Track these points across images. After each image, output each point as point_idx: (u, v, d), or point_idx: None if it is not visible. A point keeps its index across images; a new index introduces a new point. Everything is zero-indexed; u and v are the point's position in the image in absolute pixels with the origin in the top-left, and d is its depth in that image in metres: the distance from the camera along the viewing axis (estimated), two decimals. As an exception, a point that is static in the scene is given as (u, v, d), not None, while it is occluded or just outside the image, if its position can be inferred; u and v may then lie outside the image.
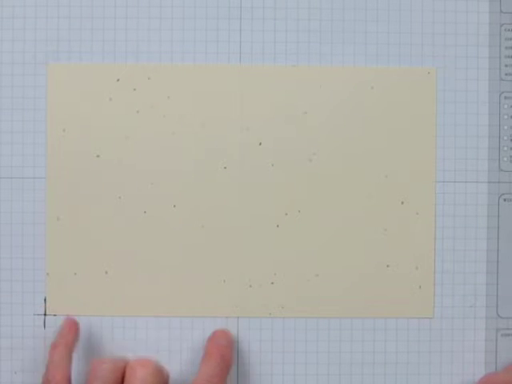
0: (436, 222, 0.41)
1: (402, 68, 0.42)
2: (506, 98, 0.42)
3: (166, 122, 0.41)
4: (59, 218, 0.41)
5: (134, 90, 0.41)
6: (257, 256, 0.41)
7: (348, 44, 0.41)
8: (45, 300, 0.41)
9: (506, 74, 0.42)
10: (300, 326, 0.41)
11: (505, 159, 0.42)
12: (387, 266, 0.41)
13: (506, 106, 0.42)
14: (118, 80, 0.41)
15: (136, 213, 0.41)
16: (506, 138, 0.42)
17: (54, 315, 0.41)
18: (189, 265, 0.41)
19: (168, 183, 0.41)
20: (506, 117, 0.42)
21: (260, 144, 0.41)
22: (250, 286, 0.41)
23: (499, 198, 0.42)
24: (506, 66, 0.42)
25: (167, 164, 0.41)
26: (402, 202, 0.41)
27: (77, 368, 0.40)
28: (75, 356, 0.39)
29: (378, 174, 0.41)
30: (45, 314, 0.41)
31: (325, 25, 0.41)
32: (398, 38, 0.41)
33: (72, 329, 0.40)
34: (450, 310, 0.41)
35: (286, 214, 0.41)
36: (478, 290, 0.41)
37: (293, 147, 0.41)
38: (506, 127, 0.42)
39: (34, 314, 0.40)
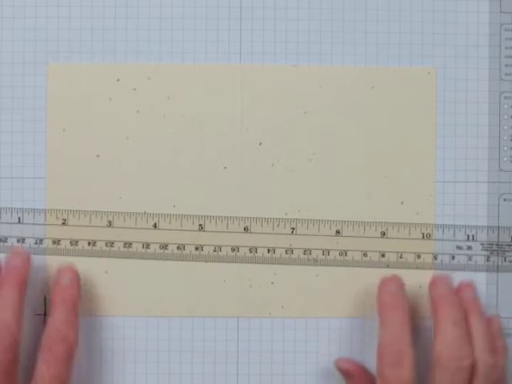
0: (436, 222, 0.41)
1: (401, 68, 0.42)
2: (506, 97, 0.42)
3: (166, 121, 0.41)
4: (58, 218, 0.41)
5: (134, 89, 0.41)
6: (257, 256, 0.41)
7: (348, 44, 0.41)
8: (45, 300, 0.41)
9: (506, 74, 0.42)
10: (300, 326, 0.41)
11: (505, 159, 0.42)
12: (387, 266, 0.41)
13: (505, 106, 0.42)
14: (118, 80, 0.41)
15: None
16: (506, 137, 0.42)
17: (54, 315, 0.41)
18: (189, 265, 0.41)
19: (168, 183, 0.41)
20: (506, 117, 0.42)
21: (260, 144, 0.41)
22: (250, 286, 0.41)
23: (499, 197, 0.42)
24: (506, 65, 0.42)
25: (167, 164, 0.41)
26: (402, 202, 0.41)
27: (77, 370, 0.40)
28: (74, 359, 0.39)
29: (378, 174, 0.41)
30: (45, 314, 0.41)
31: (325, 25, 0.41)
32: (397, 37, 0.41)
33: (25, 262, 0.39)
34: (450, 309, 0.41)
35: (286, 214, 0.41)
36: (478, 290, 0.41)
37: (293, 147, 0.41)
38: (506, 127, 0.42)
39: (34, 314, 0.40)
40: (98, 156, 0.41)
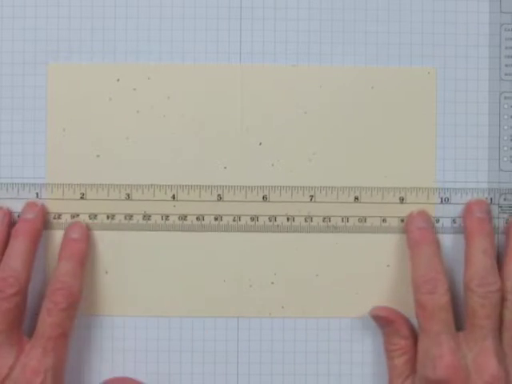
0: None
1: (401, 68, 0.42)
2: (505, 98, 0.42)
3: (166, 121, 0.41)
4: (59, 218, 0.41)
5: (134, 89, 0.41)
6: (257, 256, 0.41)
7: (348, 44, 0.41)
8: (45, 300, 0.41)
9: (506, 74, 0.42)
10: (300, 326, 0.41)
11: (505, 159, 0.42)
12: (387, 265, 0.41)
13: (506, 106, 0.42)
14: (118, 80, 0.41)
15: (136, 213, 0.41)
16: (506, 137, 0.42)
17: (54, 315, 0.41)
18: (189, 265, 0.41)
19: (168, 183, 0.41)
20: (506, 117, 0.42)
21: (260, 144, 0.41)
22: (250, 286, 0.41)
23: (499, 197, 0.42)
24: (506, 65, 0.42)
25: (167, 164, 0.41)
26: (402, 202, 0.41)
27: (77, 370, 0.40)
28: (74, 359, 0.39)
29: (378, 173, 0.41)
30: (45, 314, 0.41)
31: (325, 25, 0.41)
32: (397, 37, 0.41)
33: (38, 215, 0.40)
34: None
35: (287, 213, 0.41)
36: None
37: (293, 147, 0.41)
38: (506, 127, 0.42)
39: (34, 314, 0.40)
40: (98, 156, 0.41)
